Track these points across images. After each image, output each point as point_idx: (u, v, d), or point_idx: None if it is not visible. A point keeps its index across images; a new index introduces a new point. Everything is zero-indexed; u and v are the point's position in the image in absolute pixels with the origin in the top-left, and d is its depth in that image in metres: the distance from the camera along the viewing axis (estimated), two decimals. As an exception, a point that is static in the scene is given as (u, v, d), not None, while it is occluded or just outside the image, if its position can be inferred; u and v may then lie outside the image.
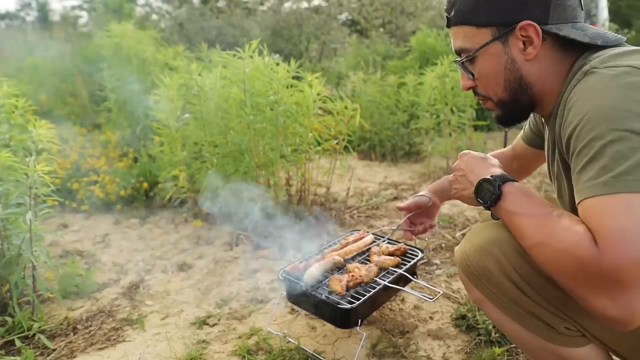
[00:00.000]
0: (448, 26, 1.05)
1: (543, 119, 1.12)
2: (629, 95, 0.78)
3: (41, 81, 4.92)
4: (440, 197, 1.57)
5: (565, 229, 0.80)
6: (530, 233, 0.86)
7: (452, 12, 1.02)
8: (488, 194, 0.96)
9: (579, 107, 0.83)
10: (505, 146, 3.53)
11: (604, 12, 6.54)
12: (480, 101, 1.10)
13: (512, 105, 1.04)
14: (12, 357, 1.55)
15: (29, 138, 1.92)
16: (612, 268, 0.72)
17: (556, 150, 1.00)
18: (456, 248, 1.13)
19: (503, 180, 0.95)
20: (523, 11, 0.93)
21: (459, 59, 1.05)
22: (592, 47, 0.95)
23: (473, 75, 1.04)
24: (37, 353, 1.65)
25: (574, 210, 0.83)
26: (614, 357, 1.06)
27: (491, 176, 0.97)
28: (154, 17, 10.12)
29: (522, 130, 1.37)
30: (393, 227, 1.67)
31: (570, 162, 0.86)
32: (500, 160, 1.41)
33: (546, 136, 1.11)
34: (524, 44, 0.96)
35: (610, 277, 0.73)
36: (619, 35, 0.97)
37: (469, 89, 1.08)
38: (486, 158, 1.08)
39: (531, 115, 1.27)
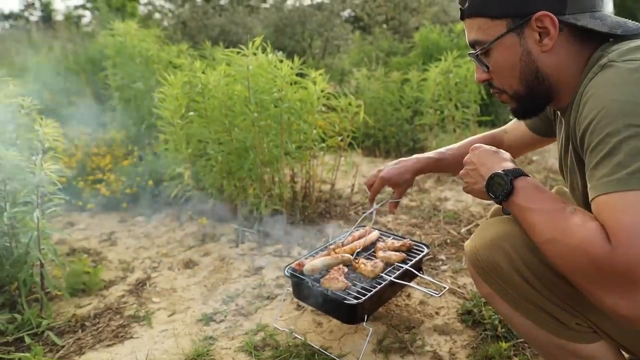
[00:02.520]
0: (462, 18, 1.03)
1: (559, 112, 1.10)
2: None
3: (46, 80, 4.94)
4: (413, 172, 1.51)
5: (578, 225, 0.78)
6: (542, 229, 0.85)
7: (466, 4, 1.00)
8: (499, 188, 0.94)
9: (595, 101, 0.82)
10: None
11: (609, 5, 6.49)
12: (495, 94, 1.08)
13: (527, 98, 1.02)
14: (22, 354, 1.56)
15: (35, 137, 1.93)
16: (625, 265, 0.71)
17: (570, 144, 0.98)
18: (466, 243, 1.12)
19: (515, 174, 0.94)
20: (539, 1, 0.91)
21: (473, 51, 1.03)
22: (611, 37, 0.92)
23: (488, 67, 1.02)
24: (46, 350, 1.67)
25: (586, 204, 0.82)
26: (625, 354, 1.06)
27: (503, 170, 0.95)
28: (157, 15, 10.13)
29: None
30: (373, 209, 1.59)
31: (584, 157, 0.85)
32: (490, 142, 1.40)
33: (560, 129, 1.09)
34: (540, 35, 0.93)
35: (622, 275, 0.72)
36: None
37: (483, 81, 1.06)
38: (498, 152, 1.05)
39: None
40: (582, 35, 0.94)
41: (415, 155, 1.53)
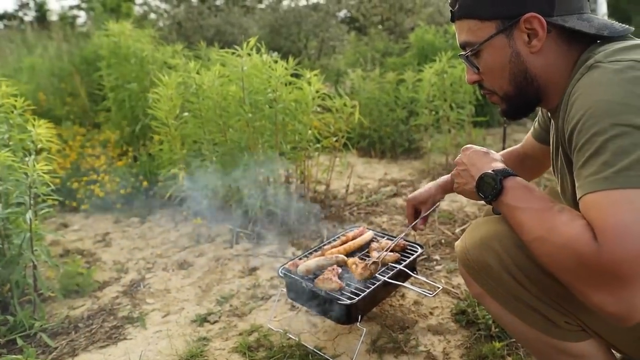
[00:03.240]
0: (452, 20, 1.04)
1: (550, 113, 1.11)
2: (632, 90, 0.78)
3: (40, 81, 4.91)
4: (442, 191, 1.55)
5: (565, 224, 0.79)
6: (530, 227, 0.86)
7: (457, 6, 1.01)
8: (489, 188, 0.96)
9: (582, 101, 0.83)
10: (504, 142, 3.55)
11: (602, 7, 6.50)
12: (486, 95, 1.09)
13: (517, 99, 1.03)
14: (14, 356, 1.55)
15: (28, 138, 1.92)
16: (611, 263, 0.72)
17: (559, 145, 0.99)
18: (456, 242, 1.13)
19: (504, 174, 0.95)
20: (527, 3, 0.92)
21: (463, 53, 1.04)
22: (599, 39, 0.94)
23: (478, 69, 1.03)
24: (39, 352, 1.66)
25: (576, 204, 0.83)
26: (616, 353, 1.06)
27: (492, 170, 0.97)
28: (152, 15, 10.11)
29: (532, 127, 1.36)
30: (405, 231, 1.69)
31: (572, 156, 0.86)
32: (511, 158, 1.40)
33: (552, 131, 1.10)
34: (528, 36, 0.94)
35: (609, 273, 0.73)
36: (627, 26, 0.95)
37: (474, 82, 1.07)
38: (488, 152, 1.07)
39: (540, 111, 1.27)
40: (570, 36, 0.95)
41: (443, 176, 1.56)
